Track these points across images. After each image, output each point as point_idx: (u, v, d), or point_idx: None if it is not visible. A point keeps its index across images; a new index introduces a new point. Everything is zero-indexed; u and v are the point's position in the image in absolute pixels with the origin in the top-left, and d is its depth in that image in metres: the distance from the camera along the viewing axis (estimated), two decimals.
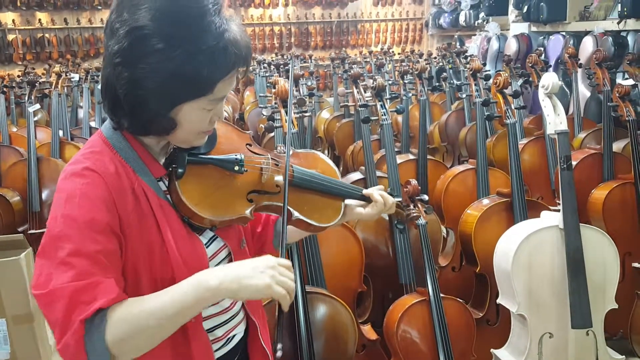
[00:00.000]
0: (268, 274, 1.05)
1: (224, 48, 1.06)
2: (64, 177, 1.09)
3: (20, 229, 3.61)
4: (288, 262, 1.10)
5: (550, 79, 2.25)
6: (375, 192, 1.47)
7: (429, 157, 3.71)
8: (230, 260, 1.28)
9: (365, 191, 1.46)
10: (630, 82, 3.23)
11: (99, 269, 1.02)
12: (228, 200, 1.19)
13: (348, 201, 1.44)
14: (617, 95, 3.08)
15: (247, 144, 1.30)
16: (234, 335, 1.30)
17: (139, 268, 1.10)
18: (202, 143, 1.19)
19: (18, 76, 7.30)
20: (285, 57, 7.32)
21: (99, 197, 1.05)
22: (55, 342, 1.01)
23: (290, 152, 1.32)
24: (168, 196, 1.16)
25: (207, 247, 1.21)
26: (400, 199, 1.62)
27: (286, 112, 2.47)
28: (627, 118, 3.03)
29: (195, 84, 1.07)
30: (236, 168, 1.20)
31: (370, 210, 1.45)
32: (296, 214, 1.30)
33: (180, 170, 1.15)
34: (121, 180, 1.09)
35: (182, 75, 1.05)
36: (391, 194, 1.51)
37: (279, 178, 1.27)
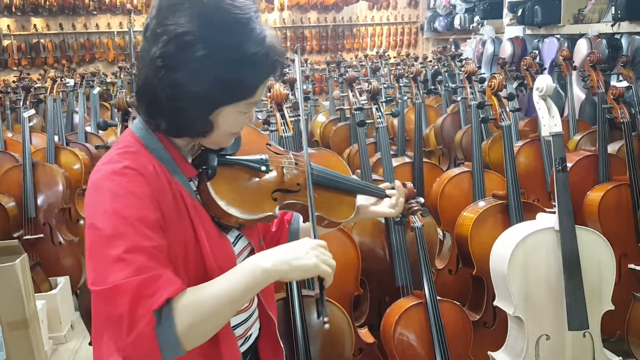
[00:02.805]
0: (313, 254, 1.10)
1: (265, 54, 1.10)
2: (103, 176, 1.08)
3: (15, 235, 3.60)
4: (325, 242, 1.15)
5: (544, 82, 2.25)
6: (387, 185, 1.53)
7: (424, 160, 3.71)
8: None
9: (381, 186, 1.52)
10: (625, 84, 3.24)
11: (156, 263, 1.03)
12: (255, 200, 1.23)
13: (360, 199, 1.49)
14: (612, 97, 3.09)
15: (267, 144, 1.34)
16: (251, 335, 1.33)
17: (177, 265, 1.11)
18: (229, 144, 1.22)
19: (13, 81, 7.29)
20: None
21: (145, 195, 1.07)
22: (121, 339, 1.00)
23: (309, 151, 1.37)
24: (198, 196, 1.18)
25: (233, 246, 1.24)
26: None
27: (282, 116, 2.48)
28: (621, 120, 3.04)
29: (238, 89, 1.10)
30: (263, 168, 1.24)
31: (385, 207, 1.50)
32: (315, 211, 1.33)
33: (211, 171, 1.18)
34: (160, 180, 1.11)
35: (226, 81, 1.08)
36: (393, 189, 1.55)
37: (299, 176, 1.31)
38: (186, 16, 1.06)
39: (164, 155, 1.15)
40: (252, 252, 1.30)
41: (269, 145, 1.34)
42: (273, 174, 1.27)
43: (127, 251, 1.01)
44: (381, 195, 1.51)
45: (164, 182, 1.11)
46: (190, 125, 1.13)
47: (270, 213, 1.23)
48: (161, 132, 1.15)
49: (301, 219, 1.50)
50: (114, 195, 1.05)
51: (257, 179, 1.25)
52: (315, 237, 1.18)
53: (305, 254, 1.10)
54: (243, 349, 1.30)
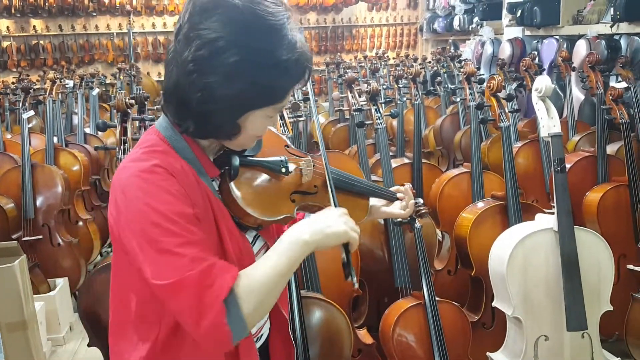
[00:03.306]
0: (342, 221, 1.16)
1: (296, 60, 1.12)
2: (133, 174, 1.09)
3: (14, 236, 3.59)
4: (346, 210, 1.21)
5: (543, 82, 2.26)
6: (398, 188, 1.56)
7: (424, 160, 3.71)
8: None
9: (392, 189, 1.56)
10: (623, 84, 3.24)
11: (207, 253, 1.06)
12: (275, 201, 1.25)
13: (372, 200, 1.51)
14: (610, 98, 3.10)
15: (285, 146, 1.35)
16: (262, 334, 1.35)
17: None
18: (252, 146, 1.24)
19: (12, 83, 7.28)
20: None
21: (179, 193, 1.08)
22: (191, 329, 1.04)
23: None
24: (219, 195, 1.20)
25: (252, 246, 1.26)
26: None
27: (281, 117, 2.48)
28: (620, 121, 3.05)
29: (269, 94, 1.12)
30: (283, 170, 1.26)
31: (397, 209, 1.53)
32: None
33: (233, 172, 1.19)
34: (189, 179, 1.12)
35: (258, 86, 1.09)
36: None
37: (317, 178, 1.33)
38: (219, 21, 1.07)
39: (190, 156, 1.16)
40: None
41: (288, 147, 1.35)
42: (292, 176, 1.28)
43: (177, 246, 1.04)
44: (392, 198, 1.54)
45: (193, 182, 1.13)
46: (218, 128, 1.15)
47: (289, 214, 1.25)
48: (189, 134, 1.16)
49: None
50: (147, 192, 1.06)
51: (276, 181, 1.26)
52: (335, 204, 1.24)
53: (335, 222, 1.15)
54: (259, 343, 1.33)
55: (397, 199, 1.54)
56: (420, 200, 2.16)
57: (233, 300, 1.04)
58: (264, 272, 1.09)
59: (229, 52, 1.06)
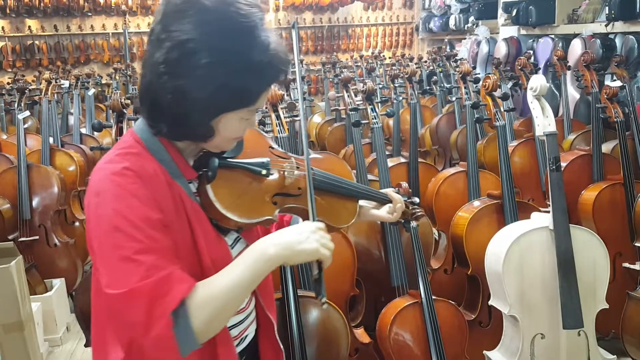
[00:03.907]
0: (314, 238, 1.13)
1: (269, 62, 1.10)
2: (103, 177, 1.09)
3: (10, 237, 3.59)
4: (323, 225, 1.17)
5: (538, 81, 2.26)
6: (390, 191, 1.55)
7: (420, 160, 3.72)
8: None
9: (383, 191, 1.54)
10: (618, 83, 3.25)
11: (165, 261, 1.05)
12: (255, 203, 1.23)
13: (361, 202, 1.49)
14: (605, 96, 3.11)
15: (269, 148, 1.34)
16: (246, 336, 1.33)
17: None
18: (231, 148, 1.23)
19: (8, 83, 7.26)
20: None
21: (145, 196, 1.07)
22: (140, 339, 1.02)
23: (311, 155, 1.36)
24: (197, 198, 1.19)
25: (232, 248, 1.24)
26: (406, 198, 1.65)
27: (277, 117, 2.48)
28: (615, 119, 3.06)
29: (241, 96, 1.11)
30: (263, 172, 1.24)
31: (386, 213, 1.52)
32: (315, 215, 1.33)
33: (211, 174, 1.18)
34: (160, 182, 1.11)
35: (230, 88, 1.08)
36: (397, 193, 1.58)
37: (300, 180, 1.31)
38: (191, 23, 1.06)
39: (165, 158, 1.15)
40: None
41: (272, 148, 1.34)
42: (274, 178, 1.27)
43: (136, 252, 1.03)
44: (383, 201, 1.53)
45: (163, 184, 1.12)
46: (191, 130, 1.14)
47: (269, 217, 1.24)
48: (163, 135, 1.16)
49: (300, 220, 1.50)
50: (116, 197, 1.06)
51: (257, 183, 1.25)
52: (314, 218, 1.21)
53: (307, 239, 1.12)
54: (238, 350, 1.30)
55: (388, 201, 1.53)
56: (417, 200, 2.16)
57: (183, 312, 1.03)
58: (223, 285, 1.07)
59: (200, 54, 1.05)
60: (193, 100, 1.08)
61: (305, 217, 1.34)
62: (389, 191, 1.55)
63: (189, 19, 1.06)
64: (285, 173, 1.29)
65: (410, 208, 1.73)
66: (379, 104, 3.50)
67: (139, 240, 1.03)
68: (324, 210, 1.36)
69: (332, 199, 1.41)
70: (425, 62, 6.64)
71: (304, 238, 1.12)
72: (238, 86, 1.08)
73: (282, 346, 1.40)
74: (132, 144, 1.15)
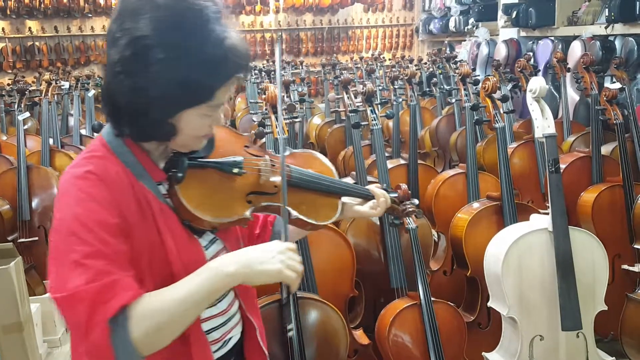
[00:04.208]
0: (278, 259, 1.09)
1: (224, 56, 1.09)
2: (67, 180, 1.10)
3: (9, 238, 3.59)
4: (294, 246, 1.14)
5: (537, 83, 2.27)
6: (373, 187, 1.51)
7: (419, 161, 3.72)
8: None
9: (362, 188, 1.50)
10: (618, 85, 3.25)
11: (115, 267, 1.03)
12: (228, 203, 1.21)
13: (345, 199, 1.47)
14: (605, 98, 3.11)
15: (245, 146, 1.32)
16: (230, 338, 1.31)
17: (139, 271, 1.11)
18: (201, 147, 1.21)
19: (8, 84, 7.27)
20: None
21: (105, 200, 1.07)
22: (81, 344, 1.01)
23: (287, 153, 1.36)
24: (168, 200, 1.18)
25: (206, 250, 1.22)
26: (395, 195, 1.63)
27: (276, 118, 2.48)
28: (614, 121, 3.06)
29: (196, 92, 1.09)
30: (235, 170, 1.22)
31: (369, 208, 1.48)
32: (294, 213, 1.32)
33: (180, 175, 1.17)
34: (123, 184, 1.11)
35: (184, 84, 1.07)
36: (386, 190, 1.54)
37: (276, 179, 1.29)
38: (144, 20, 1.06)
39: (130, 160, 1.15)
40: None
41: (247, 147, 1.32)
42: (248, 176, 1.25)
43: (86, 256, 1.01)
44: (366, 197, 1.49)
45: (126, 187, 1.11)
46: (152, 130, 1.13)
47: (243, 216, 1.22)
48: (126, 137, 1.15)
49: (291, 228, 1.47)
50: (75, 199, 1.06)
51: (229, 182, 1.23)
52: (285, 240, 1.17)
53: (271, 259, 1.09)
54: (221, 353, 1.28)
55: (372, 197, 1.49)
56: (416, 202, 2.17)
57: (123, 321, 1.00)
58: (171, 298, 1.04)
59: (153, 51, 1.05)
60: (149, 98, 1.07)
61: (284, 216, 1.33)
62: (372, 187, 1.52)
63: (142, 16, 1.06)
64: (260, 171, 1.27)
65: (401, 205, 1.71)
66: (379, 106, 3.51)
67: (90, 244, 1.02)
68: (302, 207, 1.34)
69: (312, 196, 1.38)
70: (425, 63, 6.65)
71: (268, 258, 1.09)
72: (192, 81, 1.07)
73: (266, 351, 1.37)
74: (97, 148, 1.15)
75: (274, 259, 1.10)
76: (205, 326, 1.23)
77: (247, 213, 1.22)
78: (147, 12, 1.06)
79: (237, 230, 1.35)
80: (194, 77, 1.07)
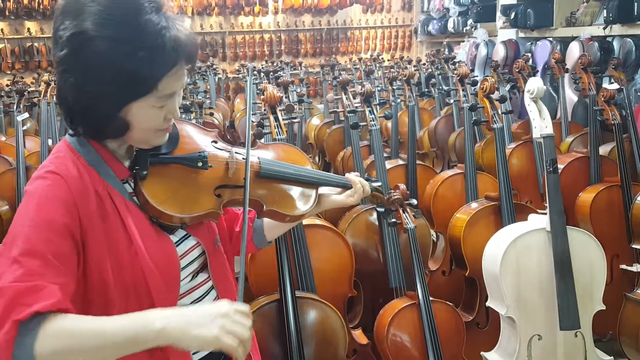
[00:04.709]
0: (217, 324, 0.99)
1: (162, 46, 1.08)
2: (30, 182, 1.12)
3: None
4: (245, 308, 1.04)
5: (535, 84, 2.28)
6: (351, 175, 1.49)
7: (418, 162, 3.73)
8: (205, 259, 1.29)
9: (339, 177, 1.48)
10: (615, 86, 3.27)
11: (49, 271, 1.01)
12: (195, 197, 1.21)
13: (322, 189, 1.45)
14: (603, 99, 3.12)
15: (212, 141, 1.31)
16: None
17: (104, 272, 1.10)
18: (162, 142, 1.21)
19: (7, 85, 7.27)
20: (275, 64, 7.33)
21: (58, 199, 1.07)
22: None
23: (257, 145, 1.36)
24: (134, 198, 1.18)
25: (177, 246, 1.21)
26: (379, 183, 1.62)
27: (275, 119, 2.48)
28: (612, 122, 3.07)
29: (136, 83, 1.08)
30: (200, 164, 1.22)
31: (345, 196, 1.46)
32: (267, 205, 1.32)
33: (143, 172, 1.16)
34: (84, 183, 1.11)
35: (123, 75, 1.07)
36: (367, 179, 1.53)
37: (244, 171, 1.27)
38: (80, 17, 1.07)
39: (93, 158, 1.15)
40: (203, 254, 1.28)
41: (215, 142, 1.31)
42: (215, 170, 1.25)
43: (23, 253, 1.01)
44: (344, 186, 1.47)
45: (87, 185, 1.11)
46: (103, 126, 1.12)
47: (212, 209, 1.21)
48: (83, 136, 1.16)
49: (281, 224, 1.46)
50: (29, 198, 1.08)
51: (195, 176, 1.22)
52: (240, 298, 1.10)
53: (209, 323, 0.99)
54: (202, 353, 1.26)
55: (349, 186, 1.47)
56: (414, 202, 2.18)
57: (34, 329, 0.96)
58: (89, 327, 0.99)
59: (90, 46, 1.05)
60: (92, 93, 1.08)
61: (257, 208, 1.32)
62: (349, 175, 1.50)
63: (79, 14, 1.07)
64: (228, 165, 1.26)
65: (385, 194, 1.69)
66: (378, 107, 3.51)
67: (32, 242, 1.02)
68: (274, 199, 1.33)
69: (286, 186, 1.37)
70: (424, 64, 6.66)
71: (205, 321, 0.99)
72: (132, 73, 1.07)
73: (252, 354, 1.35)
74: (62, 149, 1.16)
75: (212, 322, 0.99)
76: None
77: (216, 207, 1.22)
78: (83, 8, 1.07)
79: (214, 228, 1.33)
80: (133, 68, 1.06)
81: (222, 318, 1.00)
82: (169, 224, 1.18)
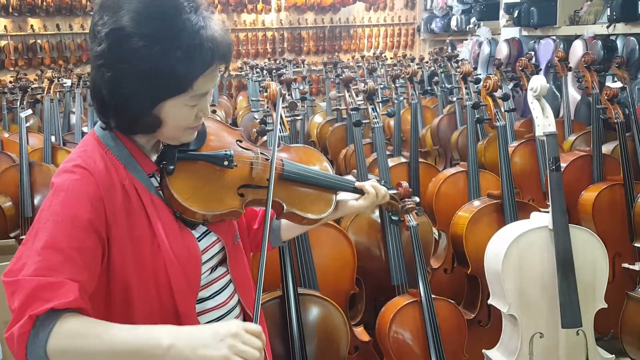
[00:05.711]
0: (226, 344, 0.98)
1: (199, 45, 1.09)
2: (57, 174, 1.12)
3: (12, 235, 3.60)
4: (256, 328, 1.03)
5: (538, 82, 2.27)
6: (367, 184, 1.49)
7: (420, 160, 3.73)
8: (224, 255, 1.30)
9: (357, 184, 1.47)
10: (619, 84, 3.26)
11: (70, 267, 1.03)
12: (219, 195, 1.22)
13: (341, 194, 1.46)
14: (606, 97, 3.12)
15: (237, 141, 1.33)
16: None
17: (127, 265, 1.12)
18: (191, 139, 1.22)
19: (10, 82, 7.28)
20: (278, 61, 7.33)
21: (85, 194, 1.08)
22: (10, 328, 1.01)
23: (281, 147, 1.37)
24: (160, 192, 1.19)
25: (199, 241, 1.23)
26: (394, 191, 1.63)
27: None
28: (615, 120, 3.07)
29: (173, 81, 1.09)
30: (225, 163, 1.23)
31: (362, 202, 1.46)
32: (287, 207, 1.33)
33: (170, 167, 1.18)
34: (111, 177, 1.12)
35: (160, 73, 1.07)
36: (385, 186, 1.53)
37: (268, 172, 1.28)
38: (120, 12, 1.07)
39: (121, 152, 1.16)
40: (223, 249, 1.29)
41: (240, 141, 1.33)
42: (240, 170, 1.26)
43: (45, 246, 1.02)
44: (359, 191, 1.47)
45: (113, 180, 1.12)
46: (136, 121, 1.13)
47: (234, 208, 1.23)
48: (115, 130, 1.17)
49: (297, 226, 1.46)
50: (55, 191, 1.09)
51: (220, 174, 1.24)
52: (264, 252, 1.14)
53: (218, 342, 0.98)
54: None
55: (361, 193, 1.47)
56: (417, 199, 2.17)
57: (48, 325, 0.98)
58: (99, 332, 1.00)
59: (129, 42, 1.06)
60: (128, 89, 1.08)
61: (277, 209, 1.34)
62: (365, 183, 1.49)
63: (119, 9, 1.08)
64: (253, 164, 1.28)
65: (400, 202, 1.70)
66: (380, 104, 3.51)
67: (54, 236, 1.03)
68: (294, 201, 1.35)
69: (306, 190, 1.38)
70: (427, 62, 6.66)
71: (213, 342, 0.98)
72: (169, 71, 1.07)
73: (266, 349, 1.35)
74: (89, 142, 1.17)
75: (221, 342, 0.98)
76: (203, 319, 1.24)
77: (238, 205, 1.24)
78: (124, 4, 1.08)
79: (234, 224, 1.35)
80: (170, 67, 1.07)
81: (231, 338, 0.99)
82: (191, 219, 1.20)
